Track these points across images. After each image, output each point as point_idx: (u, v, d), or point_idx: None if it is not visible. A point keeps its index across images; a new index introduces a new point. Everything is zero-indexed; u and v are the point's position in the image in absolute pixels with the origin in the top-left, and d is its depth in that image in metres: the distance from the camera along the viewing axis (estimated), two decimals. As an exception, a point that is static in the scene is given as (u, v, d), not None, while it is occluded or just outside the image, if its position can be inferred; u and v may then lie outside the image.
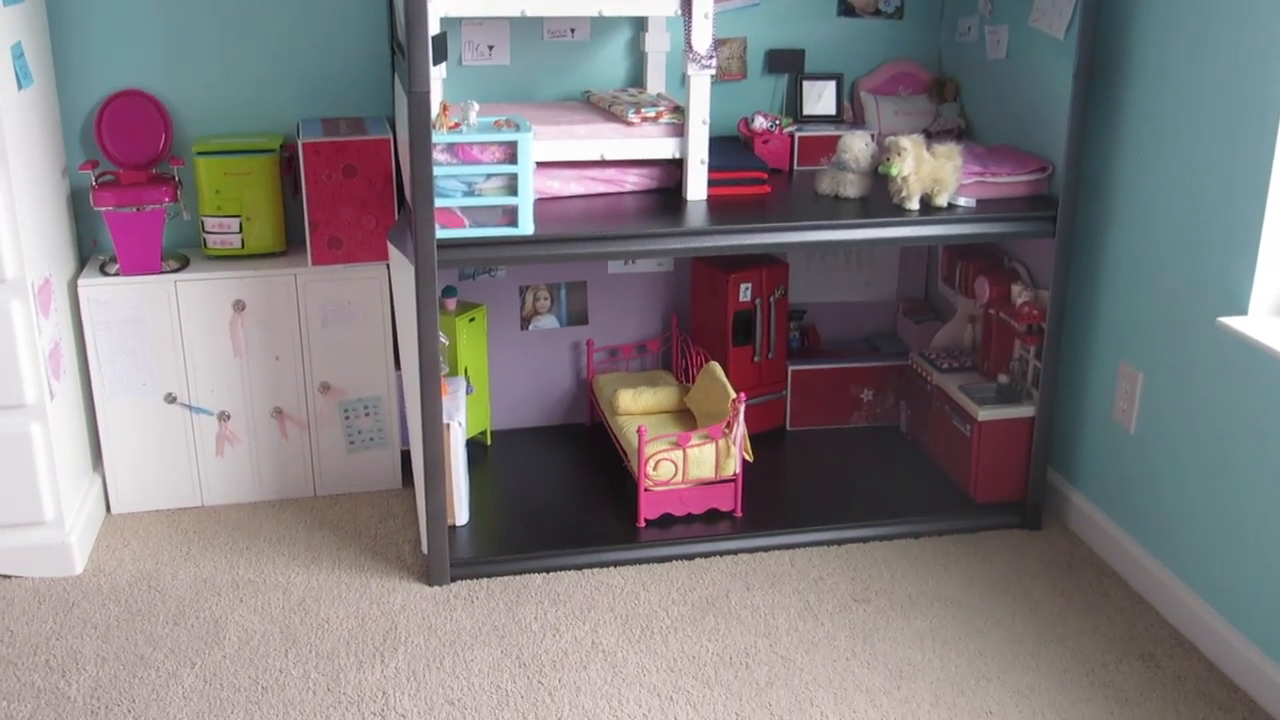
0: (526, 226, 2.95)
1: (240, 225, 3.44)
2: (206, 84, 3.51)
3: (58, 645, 2.93)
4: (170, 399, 3.45)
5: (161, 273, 3.37)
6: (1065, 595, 3.17)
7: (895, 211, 3.18)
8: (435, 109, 2.87)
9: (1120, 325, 3.22)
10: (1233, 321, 2.75)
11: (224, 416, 3.49)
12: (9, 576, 3.19)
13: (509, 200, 2.93)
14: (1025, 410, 3.42)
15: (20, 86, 3.03)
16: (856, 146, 3.25)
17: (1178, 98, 2.95)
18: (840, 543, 3.38)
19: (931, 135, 3.57)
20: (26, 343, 3.01)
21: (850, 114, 3.79)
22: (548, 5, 3.12)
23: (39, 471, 3.11)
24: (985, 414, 3.41)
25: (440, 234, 2.89)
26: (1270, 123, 2.65)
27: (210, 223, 3.43)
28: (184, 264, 3.44)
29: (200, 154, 3.39)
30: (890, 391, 3.92)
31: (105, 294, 3.33)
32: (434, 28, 2.84)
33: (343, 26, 3.54)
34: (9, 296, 2.97)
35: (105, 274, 3.37)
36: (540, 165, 3.13)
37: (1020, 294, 3.42)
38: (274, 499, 3.59)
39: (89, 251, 3.54)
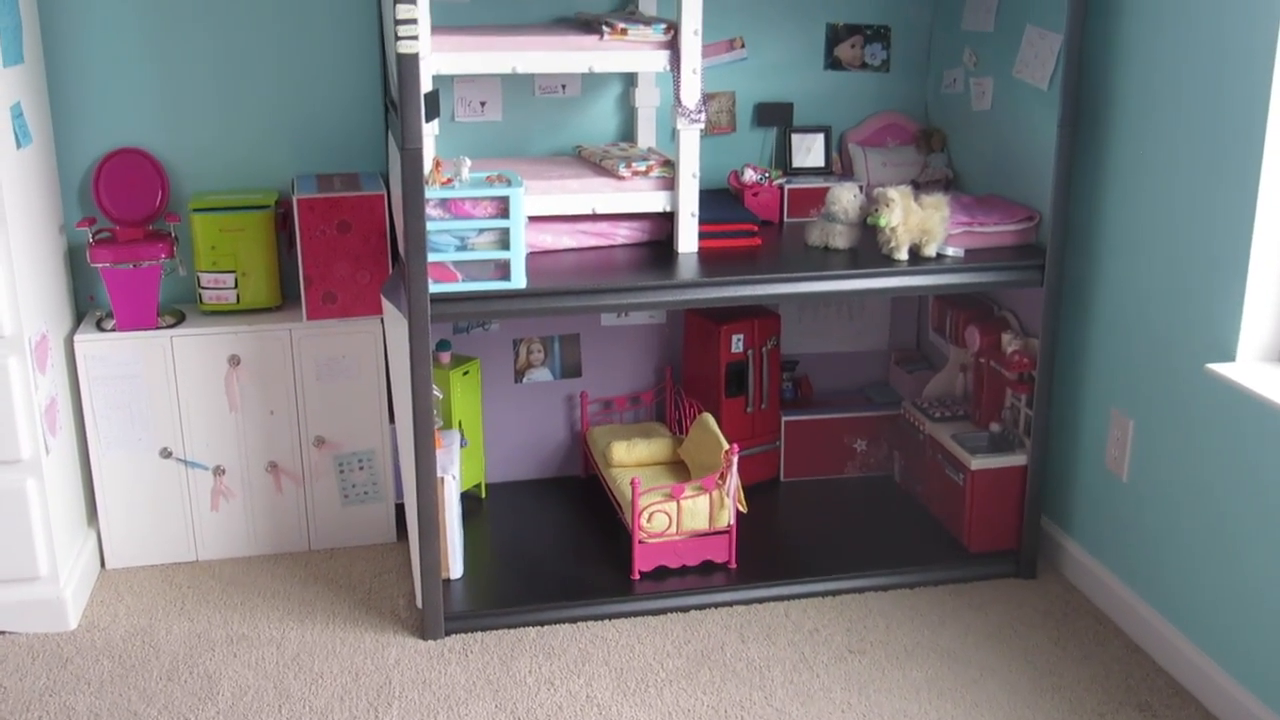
0: (519, 280, 2.97)
1: (236, 281, 3.46)
2: (203, 141, 3.55)
3: (51, 701, 2.92)
4: (165, 454, 3.45)
5: (157, 328, 3.39)
6: (1061, 645, 3.16)
7: (885, 262, 3.21)
8: (428, 165, 2.90)
9: (1111, 372, 3.24)
10: (1221, 368, 2.77)
11: (219, 471, 3.50)
12: (3, 632, 3.19)
13: (502, 254, 2.96)
14: (1018, 459, 3.43)
15: (19, 145, 3.07)
16: (845, 198, 3.29)
17: (1160, 145, 2.98)
18: (835, 593, 3.38)
19: (919, 186, 3.61)
20: (23, 398, 3.03)
21: (839, 165, 3.83)
22: (538, 62, 3.15)
23: (34, 527, 3.11)
24: (978, 463, 3.42)
25: (433, 288, 2.92)
26: (1252, 168, 2.68)
27: (206, 278, 3.46)
28: (180, 319, 3.46)
29: (196, 210, 3.42)
30: (883, 441, 3.93)
31: (101, 349, 3.35)
32: (426, 85, 2.88)
33: (337, 83, 3.59)
34: (6, 353, 2.99)
35: (101, 329, 3.38)
36: (532, 219, 3.16)
37: (1010, 342, 3.44)
38: (268, 553, 3.59)
39: (85, 307, 3.56)
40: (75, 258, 3.50)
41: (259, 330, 3.42)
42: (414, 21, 2.72)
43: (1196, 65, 2.84)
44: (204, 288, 3.47)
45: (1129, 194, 3.11)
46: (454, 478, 3.25)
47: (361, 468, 3.58)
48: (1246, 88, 2.69)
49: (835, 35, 3.80)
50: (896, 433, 3.88)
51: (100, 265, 3.33)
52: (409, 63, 2.76)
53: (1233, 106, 2.73)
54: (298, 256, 3.39)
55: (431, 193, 2.89)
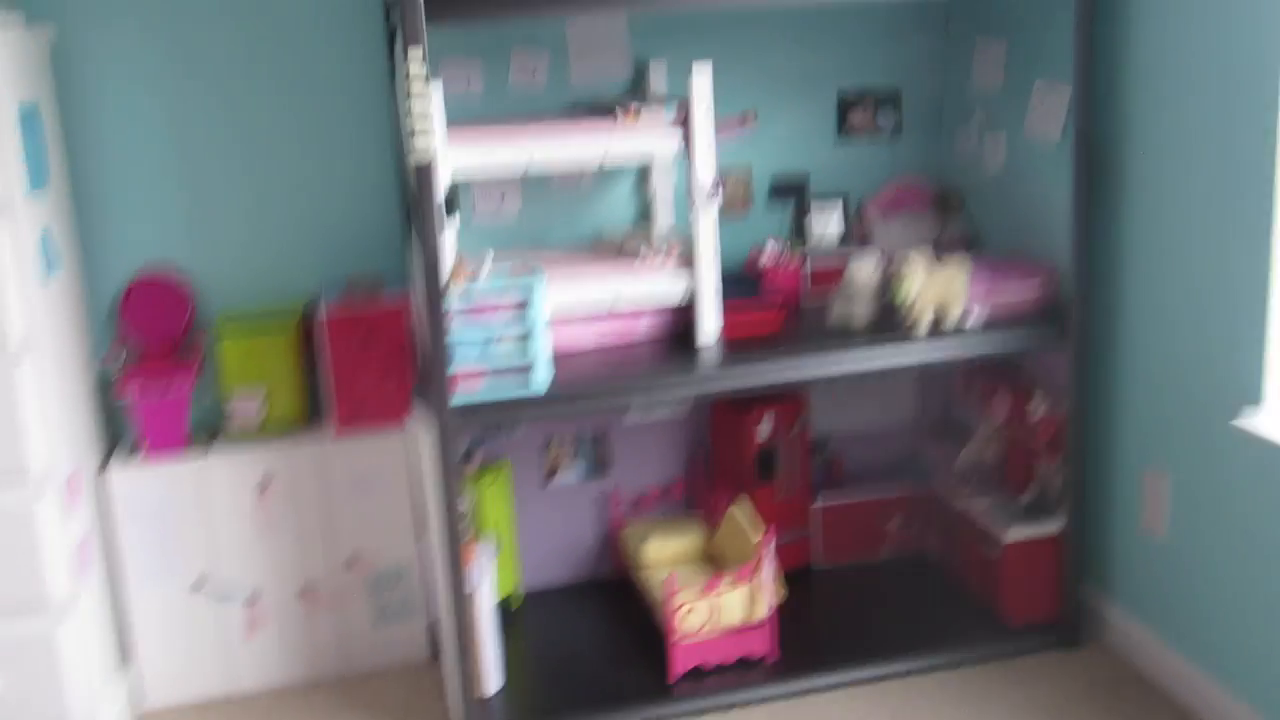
0: (543, 383, 2.98)
1: (263, 400, 3.46)
2: (228, 257, 3.57)
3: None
4: (197, 586, 3.43)
5: (188, 454, 3.38)
6: (1111, 716, 3.10)
7: (908, 335, 3.21)
8: (450, 262, 2.92)
9: (1142, 431, 3.22)
10: (1251, 420, 2.76)
11: (253, 598, 3.47)
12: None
13: (525, 358, 2.96)
14: (1053, 527, 3.40)
15: (49, 273, 3.08)
16: (864, 273, 3.29)
17: (1175, 195, 3.00)
18: (878, 680, 3.33)
19: (940, 248, 3.61)
20: (53, 541, 2.96)
21: (859, 234, 3.83)
22: (555, 155, 3.14)
23: (65, 675, 2.99)
24: (1012, 535, 3.39)
25: (458, 398, 2.92)
26: (1266, 216, 2.70)
27: (234, 400, 3.46)
28: (209, 442, 3.45)
29: (222, 331, 3.43)
30: (917, 519, 3.90)
31: (134, 481, 3.34)
32: (445, 181, 2.91)
33: (357, 189, 3.61)
34: (37, 492, 2.92)
35: (132, 460, 3.37)
36: (554, 322, 3.15)
37: (1038, 408, 3.42)
38: (304, 680, 3.54)
39: (115, 438, 3.54)
40: (104, 387, 3.50)
41: (287, 450, 3.42)
42: (429, 119, 2.75)
43: (1205, 112, 2.87)
44: (232, 409, 3.46)
45: (1147, 247, 3.12)
46: (487, 590, 3.21)
47: (394, 585, 3.54)
48: (1256, 133, 2.71)
49: (846, 102, 3.83)
50: (930, 509, 3.85)
51: (129, 393, 3.34)
52: (425, 173, 2.79)
53: (1243, 153, 2.75)
54: (324, 372, 3.39)
55: (454, 295, 2.89)
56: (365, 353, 3.39)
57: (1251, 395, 2.79)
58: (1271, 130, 2.66)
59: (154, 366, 3.40)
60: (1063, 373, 3.28)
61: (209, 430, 3.54)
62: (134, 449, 3.44)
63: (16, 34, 3.00)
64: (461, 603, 3.02)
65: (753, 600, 3.30)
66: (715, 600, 3.27)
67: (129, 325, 3.45)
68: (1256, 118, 2.70)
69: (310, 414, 3.57)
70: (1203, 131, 2.88)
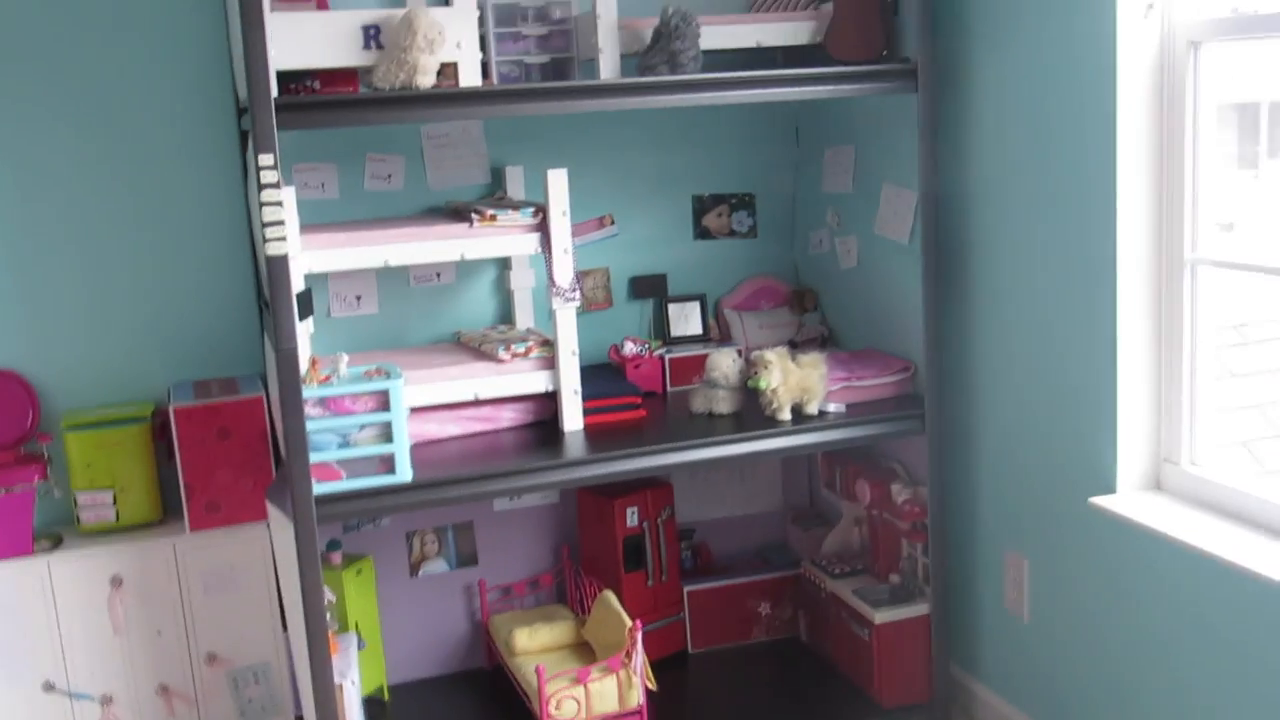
0: (405, 474, 2.94)
1: (114, 497, 3.36)
2: (73, 356, 3.49)
3: None
4: (49, 687, 3.30)
5: (34, 554, 3.27)
6: (983, 793, 3.13)
7: (769, 423, 3.24)
8: (305, 364, 2.88)
9: (1001, 514, 3.28)
10: (1103, 500, 2.82)
11: (107, 700, 3.35)
12: None
13: (385, 449, 2.93)
14: (920, 608, 3.43)
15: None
16: (724, 364, 3.33)
17: (1019, 288, 3.09)
18: (753, 763, 3.32)
19: (797, 345, 3.68)
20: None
21: (716, 331, 3.88)
22: (411, 254, 3.18)
23: None
24: (881, 616, 3.42)
25: (318, 489, 2.87)
26: (1107, 303, 2.79)
27: (83, 498, 3.35)
28: (57, 543, 3.34)
29: (70, 428, 3.34)
30: (787, 602, 3.91)
31: (-26, 582, 3.22)
32: (298, 284, 2.88)
33: (209, 289, 3.57)
34: None
35: (-27, 561, 3.26)
36: (415, 410, 3.14)
37: (900, 492, 3.47)
38: (163, 782, 3.43)
39: (-45, 539, 3.43)
40: (-57, 488, 3.39)
41: (141, 546, 3.32)
42: (282, 223, 2.73)
43: (1045, 209, 2.97)
44: (81, 507, 3.36)
45: (997, 337, 3.20)
46: (353, 683, 3.15)
47: (257, 681, 3.45)
48: (1091, 224, 2.81)
49: (702, 206, 3.90)
50: (799, 592, 3.86)
51: (-30, 493, 3.23)
52: (279, 263, 2.75)
53: (1083, 244, 2.85)
54: (177, 467, 3.31)
55: (310, 391, 2.86)
56: (221, 446, 3.31)
57: (1105, 483, 2.86)
58: (1109, 225, 2.75)
59: (-3, 465, 3.30)
60: (923, 458, 3.34)
61: (58, 530, 3.43)
62: (-23, 549, 3.32)
63: None
64: (327, 698, 2.95)
65: (626, 688, 3.27)
66: (588, 689, 3.23)
67: (-31, 423, 3.35)
68: (1092, 215, 2.81)
69: (165, 510, 3.47)
70: (1043, 228, 2.98)
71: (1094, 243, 2.81)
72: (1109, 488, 2.86)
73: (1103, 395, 2.84)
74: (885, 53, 3.23)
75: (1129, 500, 2.81)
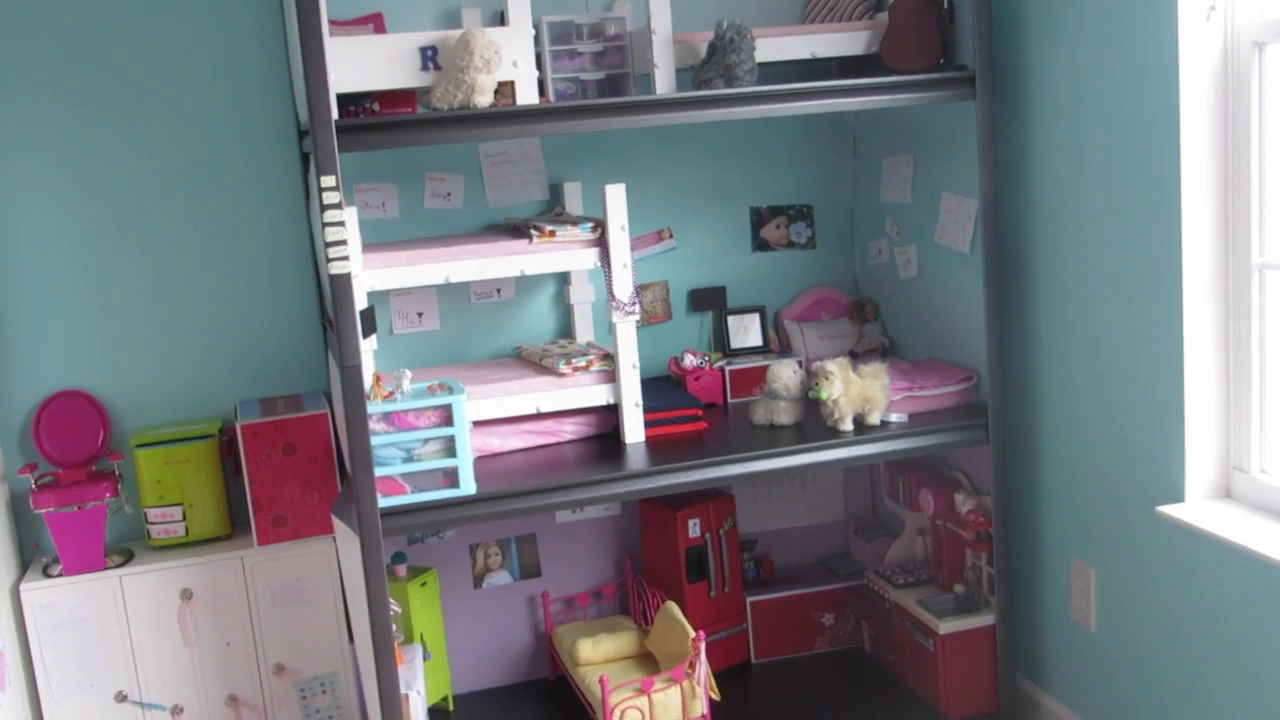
0: (468, 487, 2.97)
1: (183, 513, 3.43)
2: (143, 376, 3.56)
3: None
4: (121, 698, 3.36)
5: (106, 569, 3.33)
6: (1051, 805, 3.10)
7: (831, 434, 3.24)
8: (369, 380, 2.92)
9: (1066, 523, 3.25)
10: (1171, 509, 2.79)
11: (177, 710, 3.40)
12: None
13: (448, 463, 2.96)
14: (986, 618, 3.41)
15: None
16: (785, 375, 3.33)
17: (1083, 293, 3.05)
18: (818, 775, 3.31)
19: (857, 356, 3.66)
20: (-32, 656, 2.95)
21: (776, 343, 3.88)
22: (471, 271, 3.21)
23: None
24: (946, 626, 3.40)
25: (383, 502, 2.90)
26: (1174, 304, 2.75)
27: (153, 513, 3.42)
28: (128, 558, 3.41)
29: (139, 446, 3.40)
30: (850, 613, 3.89)
31: (48, 597, 3.29)
32: (361, 302, 2.92)
33: (274, 308, 3.62)
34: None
35: (48, 576, 3.32)
36: (478, 424, 3.17)
37: (964, 502, 3.45)
38: (233, 792, 3.48)
39: (31, 554, 3.50)
40: (18, 505, 3.46)
41: (210, 561, 3.38)
42: (344, 243, 2.77)
43: (1107, 215, 2.93)
44: (151, 523, 3.43)
45: (1060, 345, 3.17)
46: (419, 693, 3.17)
47: (324, 691, 3.50)
48: (1156, 232, 2.77)
49: (760, 218, 3.90)
50: (862, 603, 3.85)
51: (44, 510, 3.29)
52: (342, 282, 2.79)
53: (1147, 251, 2.81)
54: (245, 483, 3.36)
55: (374, 407, 2.89)
56: (287, 461, 3.36)
57: (1174, 491, 2.82)
58: (1174, 232, 2.72)
59: (70, 483, 3.36)
60: (987, 468, 3.31)
61: (129, 546, 3.49)
62: (52, 564, 3.38)
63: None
64: (393, 708, 2.98)
65: (689, 698, 3.27)
66: (652, 699, 3.23)
67: (43, 443, 3.41)
68: (1157, 223, 2.77)
69: (233, 525, 3.52)
70: (1106, 234, 2.94)
71: (1159, 248, 2.78)
72: (1177, 496, 2.82)
73: (1170, 402, 2.81)
74: (942, 61, 3.21)
75: (1198, 509, 2.77)
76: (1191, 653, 2.83)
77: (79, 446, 3.43)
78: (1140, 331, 2.87)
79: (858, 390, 3.24)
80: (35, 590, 3.29)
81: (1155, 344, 2.83)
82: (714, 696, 3.32)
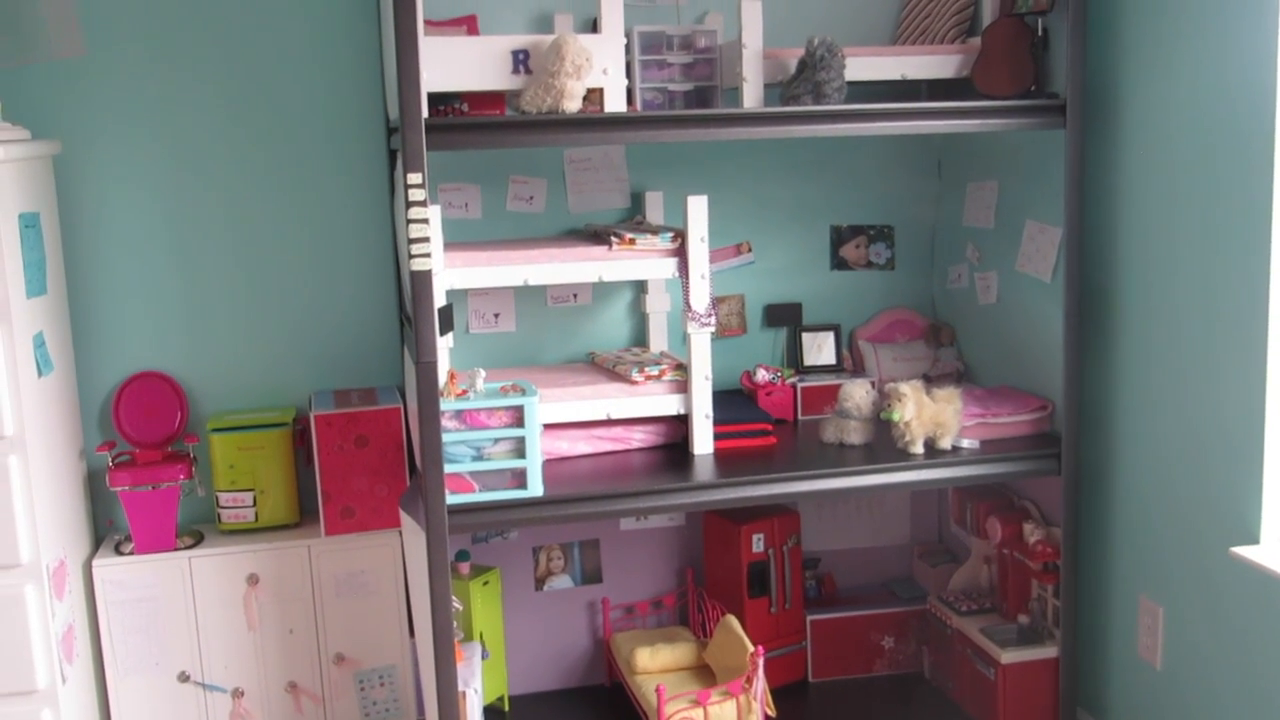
0: (536, 488, 2.98)
1: (254, 499, 3.48)
2: (222, 363, 3.61)
3: None
4: (184, 678, 3.41)
5: (176, 550, 3.39)
6: (1107, 845, 3.05)
7: (901, 456, 3.22)
8: (443, 378, 2.95)
9: (1136, 559, 3.21)
10: (1246, 551, 2.74)
11: (238, 693, 3.45)
12: None
13: (518, 463, 2.97)
14: (1049, 650, 3.37)
15: (40, 374, 3.12)
16: (858, 394, 3.31)
17: (1166, 329, 3.02)
18: (870, 799, 3.28)
19: (931, 379, 3.63)
20: (40, 628, 3.01)
21: (850, 363, 3.87)
22: (549, 274, 3.23)
23: None
24: (1008, 656, 3.36)
25: (450, 499, 2.92)
26: (1258, 349, 2.71)
27: (225, 498, 3.47)
28: (198, 540, 3.46)
29: (215, 430, 3.46)
30: (911, 637, 3.86)
31: (119, 574, 3.35)
32: (440, 299, 2.94)
33: (354, 301, 3.67)
34: (23, 580, 2.99)
35: (120, 553, 3.39)
36: (548, 427, 3.18)
37: (1033, 532, 3.41)
38: (288, 777, 3.52)
39: (104, 531, 3.57)
40: (95, 482, 3.53)
41: (277, 548, 3.42)
42: (427, 240, 2.79)
43: (1196, 253, 2.90)
44: (222, 507, 3.48)
45: (1140, 380, 3.13)
46: (476, 691, 3.19)
47: (383, 684, 3.53)
48: (1246, 273, 2.73)
49: (839, 236, 3.89)
50: (924, 628, 3.82)
51: (119, 488, 3.35)
52: (422, 279, 2.82)
53: (1233, 292, 2.77)
54: (316, 472, 3.41)
55: (447, 404, 2.92)
56: (358, 453, 3.40)
57: (1249, 533, 2.78)
58: (1263, 272, 2.68)
59: (146, 463, 3.42)
60: (1057, 498, 3.28)
61: (200, 528, 3.55)
62: (124, 542, 3.44)
63: (21, 148, 3.06)
64: (450, 704, 3.00)
65: (745, 713, 3.26)
66: (707, 711, 3.23)
67: (121, 423, 3.48)
68: (1246, 259, 2.73)
69: (302, 513, 3.57)
70: (1193, 268, 2.90)
71: (1247, 284, 2.74)
72: (1252, 538, 2.78)
73: (1249, 442, 2.76)
74: (1034, 88, 3.19)
75: (1273, 551, 2.72)
76: (1259, 697, 2.78)
77: (156, 427, 3.50)
78: (1222, 368, 2.83)
79: (930, 414, 3.22)
80: (107, 567, 3.35)
81: (1238, 382, 2.78)
82: (770, 713, 3.31)
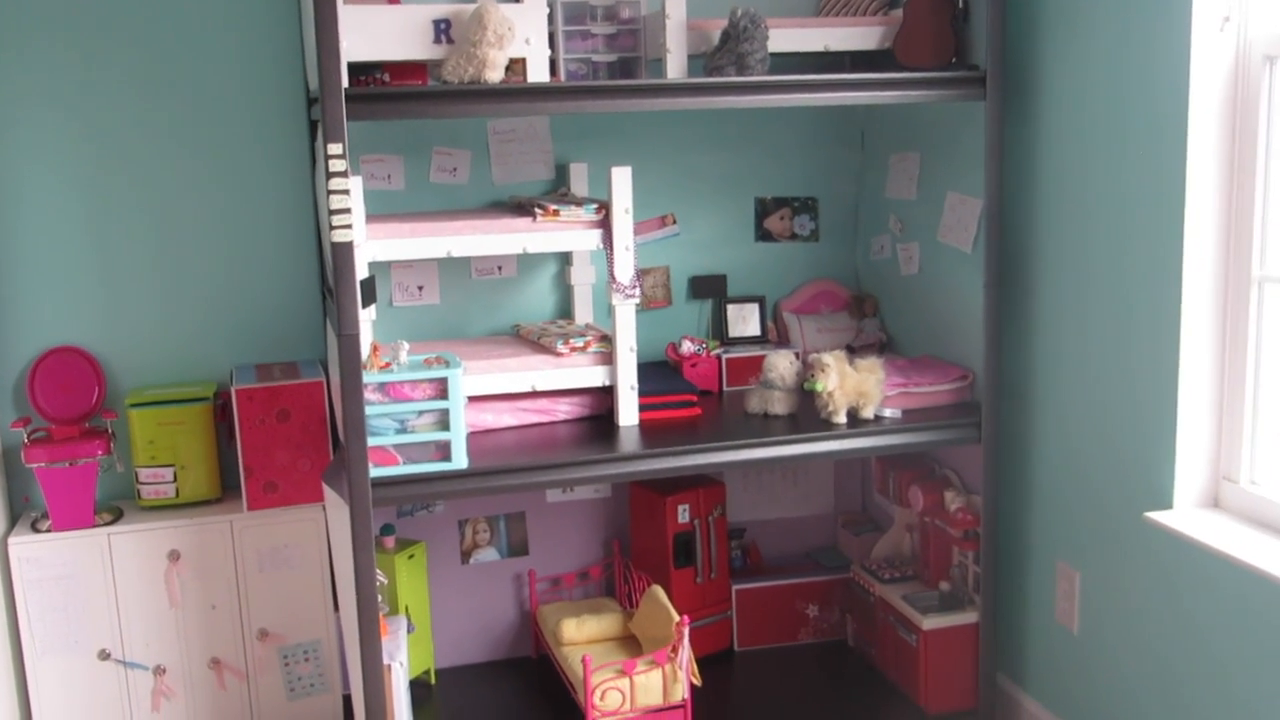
0: (460, 461, 2.97)
1: (174, 474, 3.43)
2: (140, 337, 3.56)
3: None
4: (104, 656, 3.37)
5: (95, 526, 3.34)
6: (1025, 805, 3.11)
7: (824, 426, 3.24)
8: (366, 350, 2.92)
9: (1054, 526, 3.26)
10: (1159, 515, 2.80)
11: (160, 671, 3.41)
12: None
13: (442, 436, 2.96)
14: (969, 616, 3.42)
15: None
16: (781, 365, 3.33)
17: (1081, 300, 3.06)
18: (795, 764, 3.32)
19: (854, 350, 3.67)
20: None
21: (774, 334, 3.89)
22: (473, 246, 3.21)
23: None
24: (930, 623, 3.41)
25: (374, 472, 2.90)
26: (1172, 314, 2.76)
27: (144, 474, 3.42)
28: (117, 516, 3.41)
29: (133, 406, 3.41)
30: (835, 605, 3.91)
31: (36, 551, 3.29)
32: (362, 271, 2.92)
33: (275, 274, 3.63)
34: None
35: (36, 531, 3.33)
36: (472, 399, 3.17)
37: (953, 500, 3.46)
38: (212, 754, 3.49)
39: (21, 509, 3.51)
40: (10, 458, 3.47)
41: (199, 523, 3.38)
42: (348, 211, 2.77)
43: (1110, 222, 2.94)
44: (142, 483, 3.43)
45: (1057, 349, 3.18)
46: (401, 665, 3.18)
47: (307, 659, 3.51)
48: (1158, 239, 2.78)
49: (764, 208, 3.90)
50: (847, 596, 3.86)
51: (35, 465, 3.29)
52: (343, 251, 2.79)
53: (1147, 259, 2.82)
54: (237, 447, 3.37)
55: (370, 376, 2.90)
56: (280, 428, 3.37)
57: (1163, 499, 2.84)
58: (1176, 242, 2.73)
59: (63, 439, 3.36)
60: (977, 467, 3.33)
61: (119, 505, 3.50)
62: (41, 519, 3.38)
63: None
64: (375, 678, 2.98)
65: (671, 682, 3.28)
66: (633, 681, 3.24)
67: (37, 398, 3.41)
68: (1160, 230, 2.78)
69: (224, 489, 3.53)
70: (1109, 240, 2.95)
71: (1160, 256, 2.79)
72: (1166, 503, 2.84)
73: (1163, 410, 2.82)
74: (954, 60, 3.22)
75: (1186, 517, 2.78)
76: (1172, 659, 2.85)
77: (73, 403, 3.44)
78: (1137, 338, 2.88)
79: (853, 384, 3.25)
80: (23, 544, 3.29)
81: (1151, 351, 2.84)
82: (695, 681, 3.33)
